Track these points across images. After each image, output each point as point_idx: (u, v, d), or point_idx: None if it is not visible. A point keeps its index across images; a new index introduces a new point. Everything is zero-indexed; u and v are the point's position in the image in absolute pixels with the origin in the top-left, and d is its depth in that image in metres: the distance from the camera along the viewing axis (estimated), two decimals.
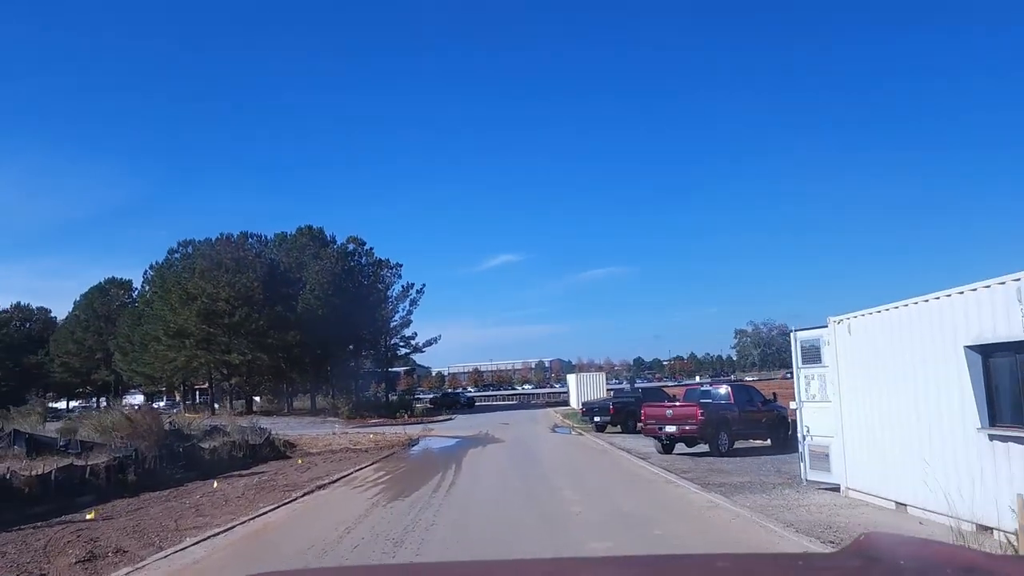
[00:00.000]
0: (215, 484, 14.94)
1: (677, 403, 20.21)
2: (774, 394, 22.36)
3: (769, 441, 21.16)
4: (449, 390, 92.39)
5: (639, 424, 29.20)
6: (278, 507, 12.39)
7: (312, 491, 14.39)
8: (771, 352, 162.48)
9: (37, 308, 71.12)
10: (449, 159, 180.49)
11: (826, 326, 12.17)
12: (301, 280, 51.92)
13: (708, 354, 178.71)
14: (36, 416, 27.42)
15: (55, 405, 71.87)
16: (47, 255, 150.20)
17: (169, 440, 21.15)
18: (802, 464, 12.81)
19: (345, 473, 17.66)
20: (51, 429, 25.70)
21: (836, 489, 11.97)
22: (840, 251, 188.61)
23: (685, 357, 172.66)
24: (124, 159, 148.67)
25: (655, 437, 20.00)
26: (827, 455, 12.15)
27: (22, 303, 69.64)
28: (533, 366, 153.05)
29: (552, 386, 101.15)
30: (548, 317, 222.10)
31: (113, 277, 64.42)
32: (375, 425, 39.42)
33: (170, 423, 26.75)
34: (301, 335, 48.82)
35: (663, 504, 11.78)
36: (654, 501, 12.09)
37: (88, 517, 11.56)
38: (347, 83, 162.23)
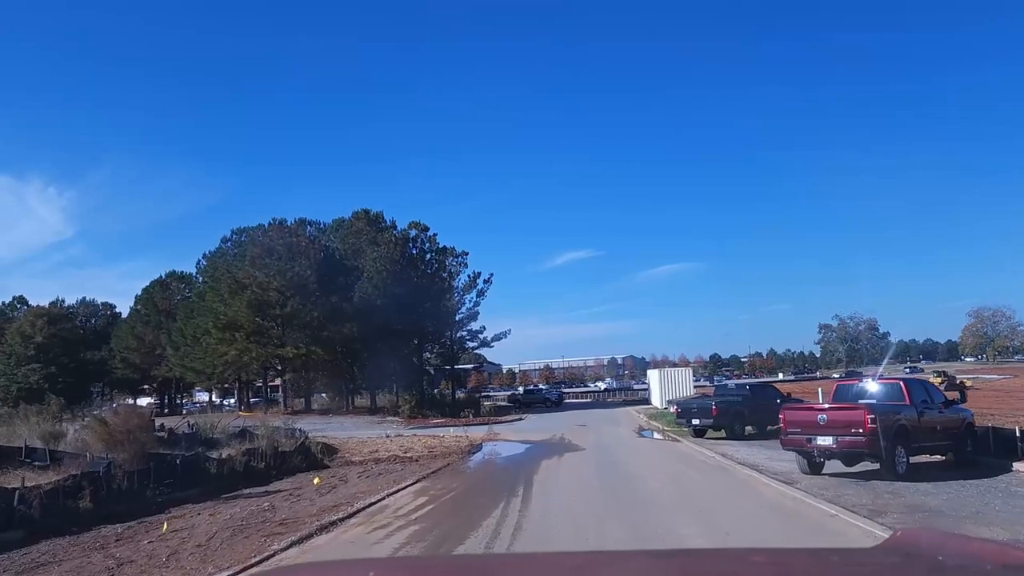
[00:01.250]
0: (164, 527, 10.28)
1: (833, 406, 14.43)
2: (960, 392, 16.37)
3: (947, 456, 15.38)
4: (531, 386, 79.42)
5: (749, 428, 23.88)
6: None
7: (309, 536, 9.60)
8: (859, 348, 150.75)
9: (102, 304, 70.23)
10: (513, 158, 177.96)
11: None
12: (358, 268, 47.94)
13: (789, 350, 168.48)
14: (44, 417, 23.84)
15: (124, 402, 71.04)
16: (130, 258, 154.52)
17: (164, 449, 17.06)
18: None
19: (374, 499, 12.91)
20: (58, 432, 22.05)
21: None
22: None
23: (764, 354, 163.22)
24: (198, 161, 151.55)
25: (800, 451, 14.36)
26: None
27: (87, 298, 68.77)
28: (605, 363, 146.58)
29: (626, 383, 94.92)
30: (617, 314, 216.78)
31: (173, 270, 62.51)
32: (436, 426, 35.01)
33: (190, 425, 22.86)
34: (359, 327, 44.88)
35: None
36: None
37: None
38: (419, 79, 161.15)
